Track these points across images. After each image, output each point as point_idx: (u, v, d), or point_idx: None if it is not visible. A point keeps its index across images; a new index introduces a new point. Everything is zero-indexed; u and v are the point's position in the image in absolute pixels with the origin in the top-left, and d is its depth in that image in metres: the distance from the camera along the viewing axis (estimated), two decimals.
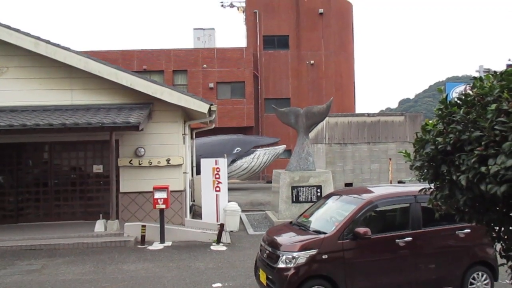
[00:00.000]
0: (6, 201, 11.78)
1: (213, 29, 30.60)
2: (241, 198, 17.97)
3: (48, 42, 11.11)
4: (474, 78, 4.01)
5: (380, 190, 6.65)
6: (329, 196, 7.20)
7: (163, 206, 10.11)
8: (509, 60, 13.96)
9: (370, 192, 6.63)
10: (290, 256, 5.66)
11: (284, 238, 6.10)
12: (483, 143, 3.59)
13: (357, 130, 18.93)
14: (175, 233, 10.49)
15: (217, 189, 12.12)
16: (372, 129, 18.99)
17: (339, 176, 18.50)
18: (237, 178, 22.30)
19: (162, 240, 10.12)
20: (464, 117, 3.82)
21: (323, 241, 5.74)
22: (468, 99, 3.92)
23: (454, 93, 19.29)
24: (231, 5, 31.94)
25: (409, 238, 6.02)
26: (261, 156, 21.60)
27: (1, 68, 11.22)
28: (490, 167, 3.46)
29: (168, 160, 11.38)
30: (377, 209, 6.20)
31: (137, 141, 11.45)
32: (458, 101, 4.01)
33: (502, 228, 4.06)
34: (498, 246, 4.31)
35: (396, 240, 5.97)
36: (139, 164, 11.32)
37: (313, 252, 5.66)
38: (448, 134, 3.90)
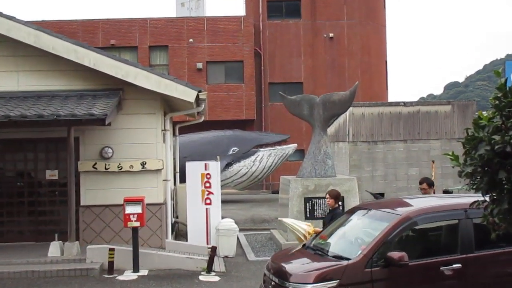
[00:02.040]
0: None
1: None
2: (239, 214, 17.99)
3: None
4: None
5: (420, 203, 6.67)
6: (354, 210, 7.23)
7: (137, 224, 10.13)
8: None
9: (407, 205, 6.65)
10: None
11: (295, 266, 6.12)
12: None
13: (390, 124, 18.93)
14: (152, 258, 10.52)
15: (208, 201, 12.15)
16: (410, 122, 19.00)
17: (366, 184, 18.52)
18: (233, 187, 22.33)
19: (136, 268, 10.15)
20: None
21: (346, 269, 5.77)
22: None
23: None
24: None
25: (458, 265, 6.04)
26: (265, 159, 21.63)
27: None
28: None
29: (143, 164, 11.42)
30: (416, 228, 6.22)
31: (103, 139, 11.48)
32: None
33: None
34: None
35: (441, 268, 5.99)
36: (106, 169, 11.34)
37: (332, 283, 5.68)
38: (508, 131, 3.91)
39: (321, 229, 8.48)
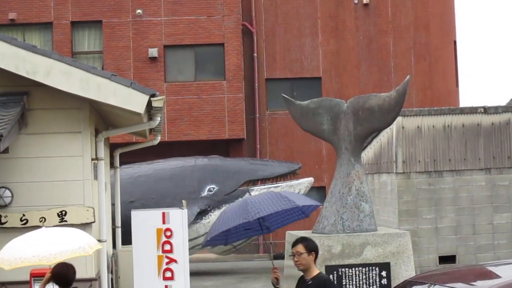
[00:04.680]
0: None
1: None
2: None
3: None
4: None
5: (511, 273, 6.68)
6: (405, 287, 7.19)
7: None
8: None
9: (491, 276, 6.70)
10: None
11: None
12: None
13: (463, 143, 18.89)
14: None
15: (168, 274, 12.08)
16: (496, 139, 18.96)
17: (427, 242, 18.42)
18: (211, 250, 22.19)
19: None
20: None
21: None
22: None
23: None
24: None
25: None
26: None
27: None
28: None
29: (61, 215, 11.37)
30: None
31: None
32: None
33: None
34: None
35: None
36: (1, 223, 11.28)
37: None
38: None
39: None
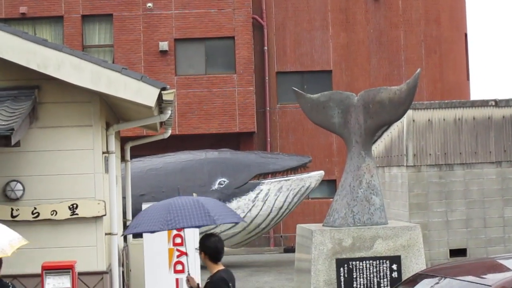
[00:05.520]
0: None
1: None
2: None
3: None
4: None
5: None
6: (416, 279, 7.19)
7: None
8: None
9: (502, 269, 6.67)
10: None
11: None
12: None
13: (474, 136, 18.82)
14: None
15: (179, 267, 12.08)
16: (506, 132, 18.88)
17: (437, 235, 18.38)
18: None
19: None
20: None
21: None
22: None
23: None
24: None
25: None
26: (272, 196, 21.53)
27: None
28: None
29: (73, 208, 11.38)
30: None
31: (8, 168, 11.45)
32: None
33: None
34: None
35: None
36: (13, 216, 11.28)
37: None
38: None
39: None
